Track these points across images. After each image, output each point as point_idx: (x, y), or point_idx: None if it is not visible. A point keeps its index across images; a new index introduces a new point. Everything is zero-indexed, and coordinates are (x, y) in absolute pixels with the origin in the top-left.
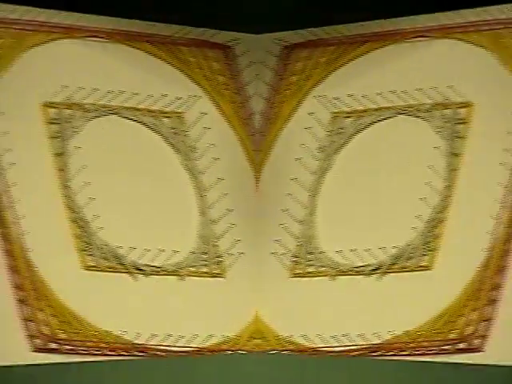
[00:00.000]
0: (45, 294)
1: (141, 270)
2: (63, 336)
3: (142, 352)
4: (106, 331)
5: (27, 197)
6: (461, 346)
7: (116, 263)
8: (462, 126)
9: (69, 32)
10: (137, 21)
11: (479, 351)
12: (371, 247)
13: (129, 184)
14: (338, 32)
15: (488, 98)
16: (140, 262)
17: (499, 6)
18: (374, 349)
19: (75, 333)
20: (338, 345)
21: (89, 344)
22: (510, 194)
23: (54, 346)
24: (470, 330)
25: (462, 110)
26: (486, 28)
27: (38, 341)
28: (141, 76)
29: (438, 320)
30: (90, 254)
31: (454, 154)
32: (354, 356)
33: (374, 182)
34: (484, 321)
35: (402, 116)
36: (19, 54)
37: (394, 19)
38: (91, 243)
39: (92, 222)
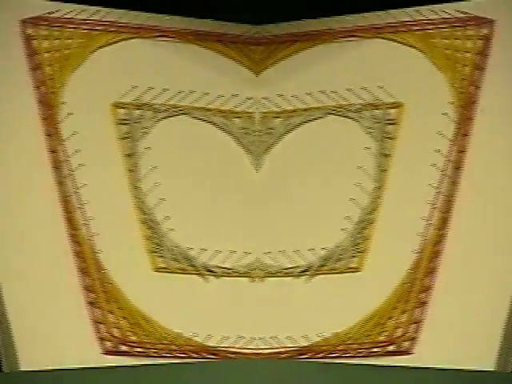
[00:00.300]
0: (115, 296)
1: (212, 271)
2: (134, 338)
3: (213, 354)
4: (177, 333)
5: (97, 198)
6: (390, 348)
7: (187, 265)
8: (392, 126)
9: (138, 32)
10: (207, 20)
11: (409, 354)
12: (300, 249)
13: (199, 185)
14: (266, 31)
15: (418, 98)
16: (211, 263)
17: (430, 7)
18: (302, 351)
19: (146, 335)
20: (266, 347)
21: (159, 346)
22: (440, 196)
23: (124, 348)
24: (399, 332)
25: (393, 111)
26: (417, 28)
27: (108, 343)
28: (211, 76)
29: (368, 322)
30: (161, 256)
31: (384, 155)
32: (282, 358)
33: (304, 182)
34: (414, 323)
35: (331, 116)
36: (88, 54)
37: (323, 19)
38: (162, 245)
39: (162, 224)
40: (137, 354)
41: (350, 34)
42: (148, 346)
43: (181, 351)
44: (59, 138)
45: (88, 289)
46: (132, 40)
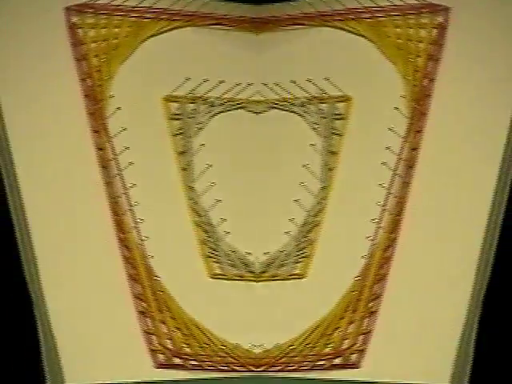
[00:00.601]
0: (167, 305)
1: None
2: (188, 350)
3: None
4: (235, 345)
5: (147, 199)
6: (336, 361)
7: (245, 271)
8: (339, 121)
9: (191, 19)
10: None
11: (356, 367)
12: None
13: (258, 184)
14: None
15: (368, 91)
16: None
17: None
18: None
19: (201, 347)
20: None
21: (216, 359)
22: (391, 197)
23: (178, 361)
24: (346, 344)
25: (340, 105)
26: (367, 16)
27: (160, 356)
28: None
29: (312, 333)
30: (217, 261)
31: (331, 152)
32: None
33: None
34: (362, 334)
35: (274, 110)
36: (137, 44)
37: (266, 5)
38: (217, 249)
39: (218, 226)
40: (191, 367)
41: (295, 21)
42: (203, 359)
43: (238, 364)
44: (107, 135)
45: (138, 297)
46: (185, 28)
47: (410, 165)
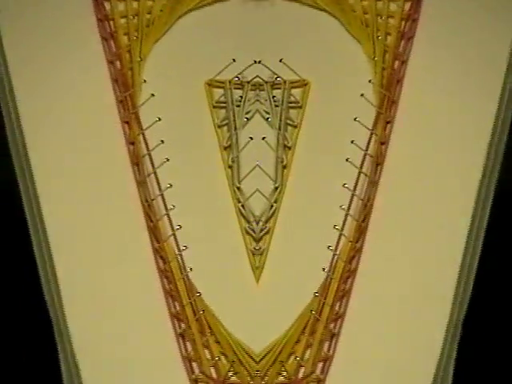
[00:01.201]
0: (210, 326)
1: None
2: (235, 379)
3: None
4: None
5: (186, 202)
6: None
7: None
8: (294, 110)
9: None
10: None
11: None
12: None
13: None
14: None
15: (329, 75)
16: None
17: None
18: None
19: (250, 375)
20: None
21: None
22: (356, 199)
23: None
24: (303, 372)
25: (296, 91)
26: None
27: None
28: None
29: (262, 359)
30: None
31: (285, 147)
32: None
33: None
34: (321, 361)
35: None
36: (175, 19)
37: None
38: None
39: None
40: None
41: None
42: None
43: None
44: (139, 126)
45: (177, 317)
46: (230, 0)
47: (377, 161)
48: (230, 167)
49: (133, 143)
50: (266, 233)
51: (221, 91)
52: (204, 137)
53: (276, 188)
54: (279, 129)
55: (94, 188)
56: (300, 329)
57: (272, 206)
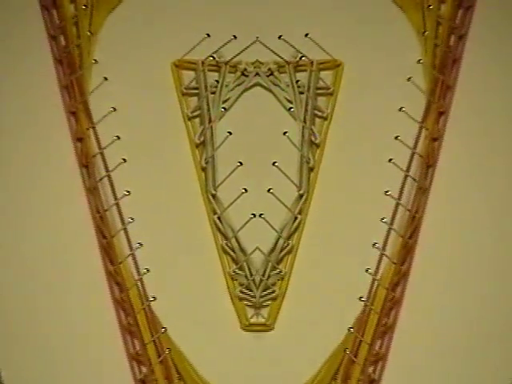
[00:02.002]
0: (179, 370)
1: None
2: None
3: None
4: None
5: (149, 215)
6: None
7: None
8: (324, 98)
9: None
10: None
11: None
12: None
13: None
14: None
15: (366, 54)
16: None
17: None
18: None
19: None
20: None
21: None
22: (401, 209)
23: None
24: None
25: (326, 74)
26: None
27: None
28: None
29: None
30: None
31: (312, 144)
32: None
33: None
34: None
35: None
36: None
37: None
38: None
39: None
40: None
41: None
42: None
43: None
44: (89, 119)
45: (137, 359)
46: None
47: (428, 162)
48: (204, 169)
49: (81, 139)
50: (288, 252)
51: (192, 74)
52: (171, 131)
53: (301, 196)
54: (304, 121)
55: (32, 195)
56: (331, 373)
57: (296, 218)
